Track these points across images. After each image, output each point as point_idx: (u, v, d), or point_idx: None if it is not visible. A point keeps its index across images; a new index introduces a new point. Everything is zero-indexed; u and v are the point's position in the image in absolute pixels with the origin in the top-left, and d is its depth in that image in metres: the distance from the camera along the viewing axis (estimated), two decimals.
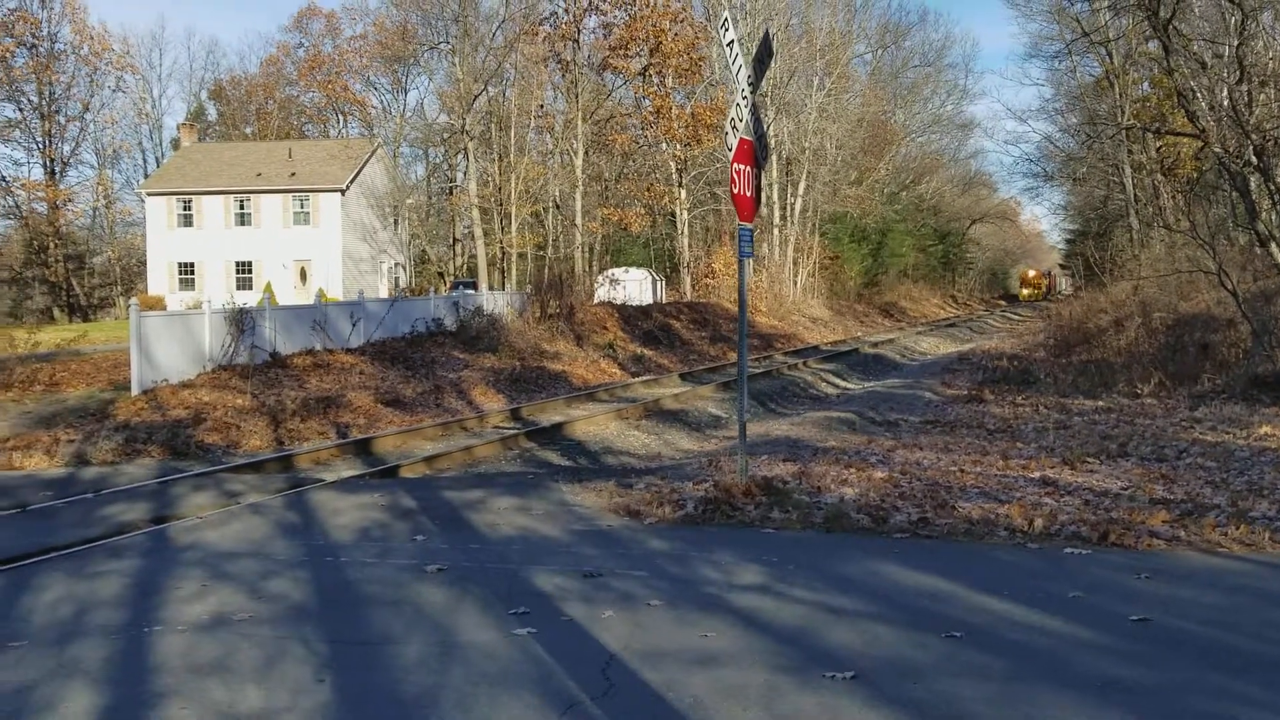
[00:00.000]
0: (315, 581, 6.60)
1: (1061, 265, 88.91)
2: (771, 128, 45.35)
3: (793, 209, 48.92)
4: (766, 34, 8.70)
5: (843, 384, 24.98)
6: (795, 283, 48.22)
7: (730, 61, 8.14)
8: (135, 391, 16.16)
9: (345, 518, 8.57)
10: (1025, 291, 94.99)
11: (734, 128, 8.18)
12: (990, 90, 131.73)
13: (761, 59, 8.38)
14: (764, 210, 47.52)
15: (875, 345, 35.46)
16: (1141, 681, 4.52)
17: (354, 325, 22.46)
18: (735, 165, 8.25)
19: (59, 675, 4.95)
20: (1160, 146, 35.33)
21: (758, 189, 8.64)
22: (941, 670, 4.72)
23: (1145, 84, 37.84)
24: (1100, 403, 16.57)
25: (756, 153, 8.56)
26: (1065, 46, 36.78)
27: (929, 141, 78.07)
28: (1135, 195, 38.68)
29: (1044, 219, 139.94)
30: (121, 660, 5.17)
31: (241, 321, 18.78)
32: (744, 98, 8.25)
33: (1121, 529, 7.17)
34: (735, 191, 8.30)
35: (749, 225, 8.50)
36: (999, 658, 4.87)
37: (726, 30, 8.11)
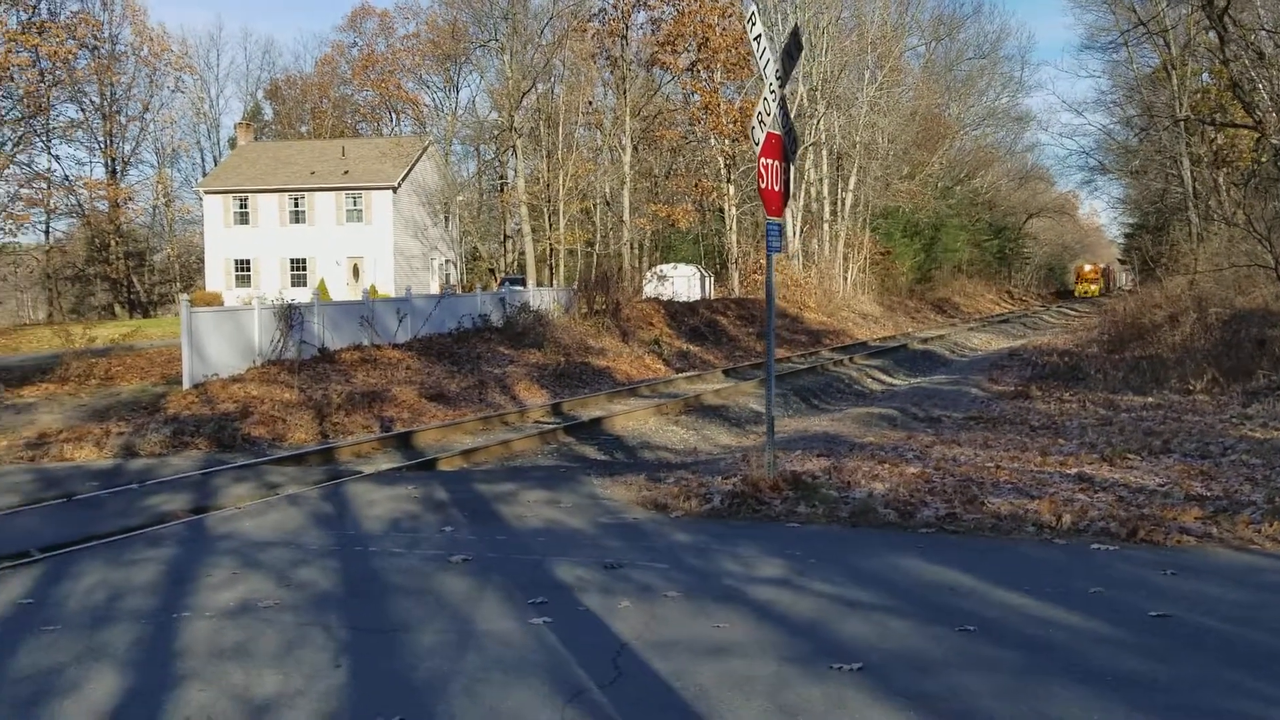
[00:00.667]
0: (342, 570, 6.72)
1: (1120, 260, 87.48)
2: (822, 122, 45.11)
3: (843, 204, 48.59)
4: (795, 28, 8.67)
5: (888, 380, 24.79)
6: (845, 278, 47.91)
7: (757, 56, 8.13)
8: (186, 385, 16.51)
9: (378, 509, 8.70)
10: (1081, 287, 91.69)
11: (761, 122, 8.17)
12: (1046, 82, 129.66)
13: (790, 53, 8.36)
14: (814, 205, 47.27)
15: (924, 341, 35.12)
16: (1155, 677, 4.47)
17: (400, 321, 22.73)
18: (763, 160, 8.24)
19: (87, 658, 5.10)
20: (1215, 139, 34.58)
21: (787, 183, 8.62)
22: (952, 663, 4.70)
23: (1204, 74, 37.05)
24: (1149, 399, 16.30)
25: (785, 147, 8.55)
26: (1121, 36, 36.12)
27: (984, 135, 77.02)
28: (1194, 189, 37.91)
29: (1103, 213, 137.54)
30: (148, 645, 5.31)
31: (290, 317, 19.09)
32: (771, 92, 8.24)
33: (1151, 525, 7.06)
34: (763, 186, 8.30)
35: (777, 220, 8.49)
36: (1012, 651, 4.83)
37: (753, 25, 8.09)
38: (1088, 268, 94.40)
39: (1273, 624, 5.13)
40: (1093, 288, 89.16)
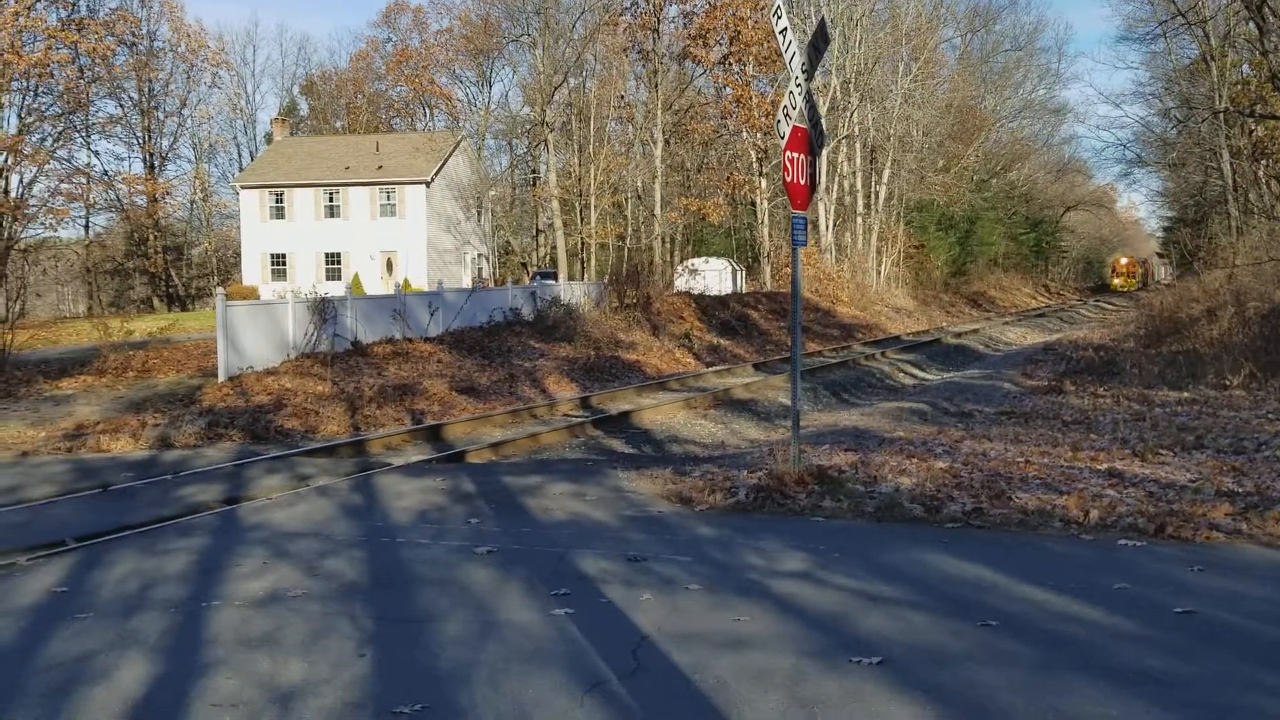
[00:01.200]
0: (369, 561, 6.80)
1: (1159, 253, 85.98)
2: (855, 115, 44.88)
3: (876, 197, 48.32)
4: (823, 20, 8.64)
5: (920, 374, 24.66)
6: (879, 272, 47.66)
7: (784, 49, 8.12)
8: (221, 378, 16.73)
9: (406, 500, 8.79)
10: (1117, 281, 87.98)
11: (786, 115, 8.16)
12: (1082, 74, 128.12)
13: (816, 45, 8.34)
14: (847, 199, 47.04)
15: (958, 336, 34.89)
16: (1175, 673, 4.44)
17: (432, 315, 22.88)
18: (788, 153, 8.23)
19: (118, 646, 5.20)
20: (1255, 131, 34.06)
21: (813, 176, 8.60)
22: (971, 657, 4.70)
23: (1244, 66, 36.49)
24: (1185, 394, 16.10)
25: (811, 140, 8.53)
26: (1159, 27, 35.65)
27: (1020, 127, 76.29)
28: (1234, 181, 37.36)
29: (1141, 206, 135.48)
30: (178, 633, 5.41)
31: (324, 311, 19.28)
32: (797, 85, 8.22)
33: (1180, 521, 7.00)
34: (788, 180, 8.29)
35: (802, 213, 8.48)
36: (1032, 647, 4.82)
37: (779, 17, 8.08)
38: (1124, 261, 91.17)
39: None
40: (1130, 282, 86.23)
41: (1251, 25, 25.97)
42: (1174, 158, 44.97)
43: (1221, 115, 34.26)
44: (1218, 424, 12.20)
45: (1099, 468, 9.37)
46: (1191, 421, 12.58)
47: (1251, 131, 34.52)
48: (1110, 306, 62.07)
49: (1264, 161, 34.72)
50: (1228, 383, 17.01)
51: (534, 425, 14.97)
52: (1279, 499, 7.61)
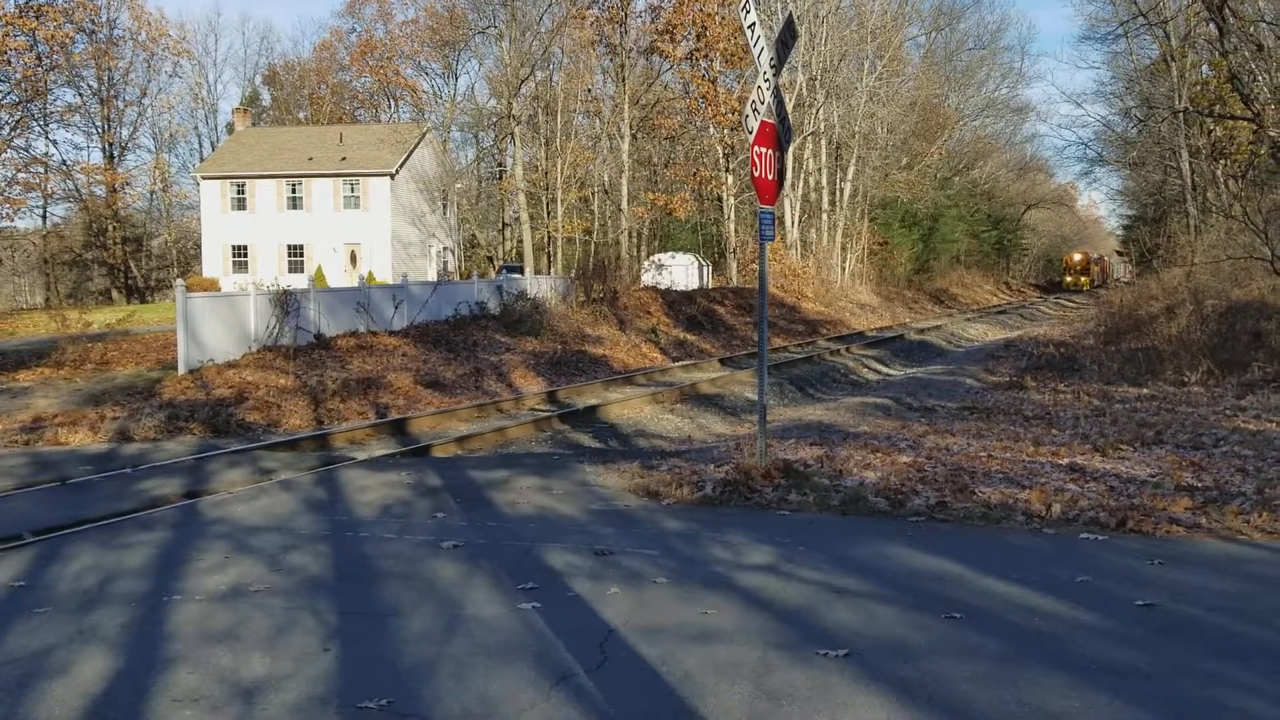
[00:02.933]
0: (333, 555, 6.74)
1: (1119, 251, 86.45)
2: (821, 111, 45.03)
3: (842, 194, 48.54)
4: (790, 16, 8.66)
5: (884, 370, 24.82)
6: (843, 269, 47.89)
7: (752, 44, 8.12)
8: (181, 371, 16.52)
9: (371, 495, 8.72)
10: (1069, 279, 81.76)
11: (755, 110, 8.17)
12: (1046, 73, 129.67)
13: (784, 40, 8.35)
14: (812, 195, 47.22)
15: (921, 332, 35.14)
16: (1136, 665, 4.50)
17: (397, 308, 22.73)
18: (756, 148, 8.24)
19: (77, 641, 5.13)
20: (1213, 131, 34.57)
21: (780, 172, 8.62)
22: (935, 650, 4.73)
23: (1204, 67, 37.00)
24: (1144, 390, 16.33)
25: (779, 135, 8.54)
26: (1121, 27, 36.07)
27: (983, 125, 76.97)
28: (1192, 181, 37.88)
29: (1101, 204, 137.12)
30: (138, 628, 5.33)
31: (286, 303, 19.08)
32: (765, 80, 8.23)
33: (1141, 515, 7.09)
34: (756, 175, 8.30)
35: (770, 208, 8.49)
36: (996, 639, 4.86)
37: (747, 12, 8.08)
38: (1076, 257, 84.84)
39: (1257, 614, 5.16)
40: (1083, 279, 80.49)
41: (1212, 26, 26.32)
42: (1134, 157, 45.54)
43: (1181, 115, 34.72)
44: (1176, 420, 12.37)
45: (1060, 462, 9.48)
46: (1151, 417, 12.75)
47: (1210, 131, 35.02)
48: (1071, 304, 62.78)
49: (1222, 161, 35.24)
50: (1186, 379, 17.27)
51: (500, 419, 14.91)
52: (1237, 494, 7.73)
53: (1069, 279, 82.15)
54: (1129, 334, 26.67)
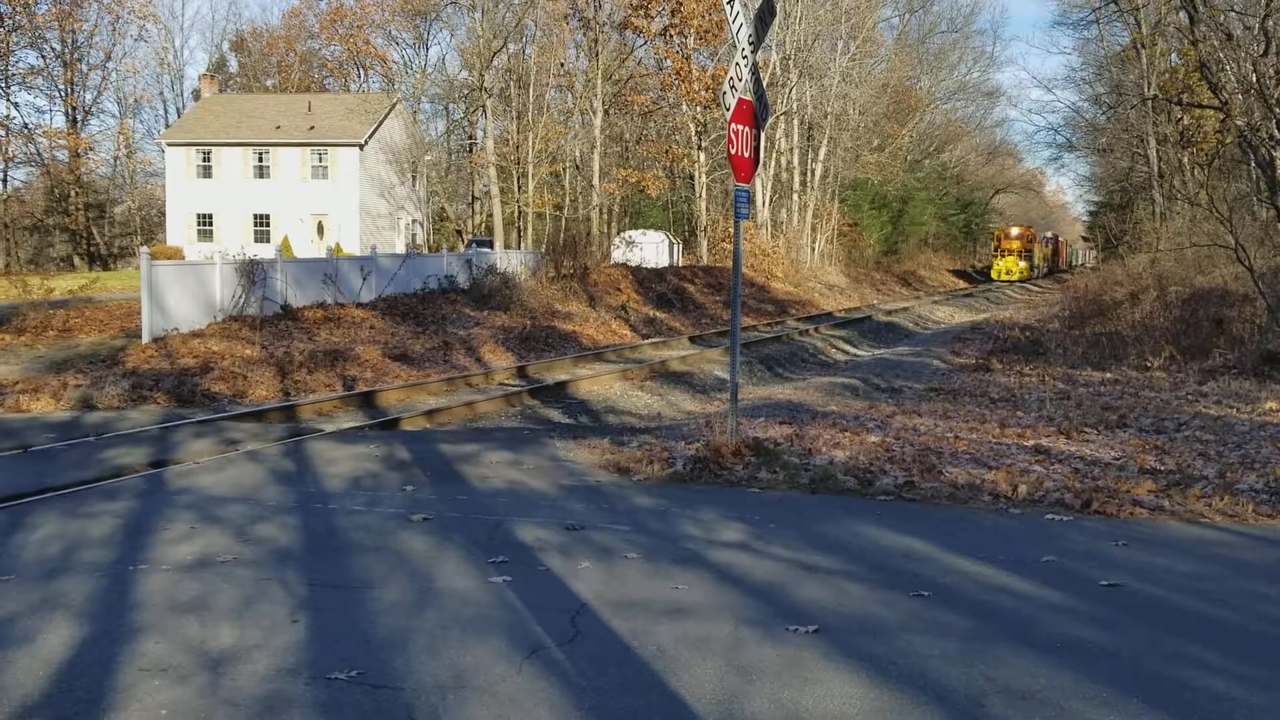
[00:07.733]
0: (302, 527, 6.69)
1: (1084, 237, 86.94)
2: (794, 91, 44.99)
3: (813, 174, 48.61)
4: None
5: (853, 350, 24.95)
6: (813, 249, 48.02)
7: (730, 20, 8.09)
8: (146, 339, 16.32)
9: (340, 467, 8.66)
10: (1000, 264, 62.74)
11: (732, 87, 8.14)
12: (1017, 58, 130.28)
13: (763, 17, 8.32)
14: (784, 175, 47.25)
15: (889, 313, 35.35)
16: (1100, 643, 4.56)
17: (365, 280, 22.56)
18: (733, 125, 8.22)
19: (42, 609, 5.06)
20: (1182, 119, 34.88)
21: (757, 150, 8.61)
22: (904, 627, 4.77)
23: (1173, 55, 37.27)
24: (1108, 375, 16.50)
25: (756, 113, 8.52)
26: (1092, 13, 36.26)
27: (954, 109, 77.38)
28: (1159, 168, 38.22)
29: (1068, 190, 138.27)
30: (104, 597, 5.28)
31: (252, 273, 18.88)
32: (744, 57, 8.21)
33: (1105, 497, 7.18)
34: (733, 152, 8.28)
35: (746, 186, 8.48)
36: (963, 617, 4.91)
37: None
38: (1014, 231, 64.17)
39: (1218, 595, 5.24)
40: (1017, 266, 61.86)
41: (1182, 14, 26.50)
42: (1103, 143, 45.91)
43: (1150, 103, 35.00)
44: (1140, 404, 12.52)
45: (1026, 444, 9.57)
46: (1115, 401, 12.89)
47: (1179, 120, 35.33)
48: (1036, 289, 63.20)
49: (1189, 149, 35.57)
50: (1149, 364, 17.47)
51: (470, 394, 14.85)
52: (1199, 477, 7.84)
53: (999, 265, 63.20)
54: (1093, 319, 26.98)
